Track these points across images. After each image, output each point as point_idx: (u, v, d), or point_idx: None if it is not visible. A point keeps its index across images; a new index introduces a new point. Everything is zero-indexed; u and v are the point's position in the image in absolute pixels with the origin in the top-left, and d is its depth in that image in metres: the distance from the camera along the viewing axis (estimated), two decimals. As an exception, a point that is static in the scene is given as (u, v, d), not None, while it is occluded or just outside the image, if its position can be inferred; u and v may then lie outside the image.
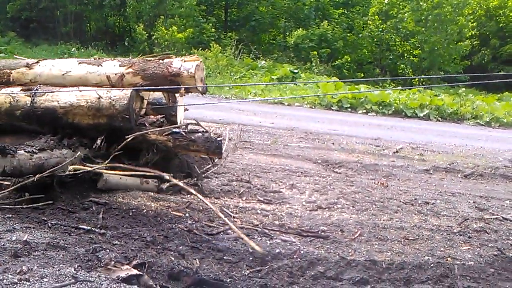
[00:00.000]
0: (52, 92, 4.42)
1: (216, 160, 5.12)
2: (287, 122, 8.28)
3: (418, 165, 6.16)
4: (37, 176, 3.73)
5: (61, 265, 2.76)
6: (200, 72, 4.30)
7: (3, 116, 4.53)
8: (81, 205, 3.84)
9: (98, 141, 4.28)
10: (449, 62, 25.62)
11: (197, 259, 3.10)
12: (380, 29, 27.74)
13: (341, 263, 3.17)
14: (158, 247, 3.22)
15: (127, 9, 24.22)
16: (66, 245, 3.09)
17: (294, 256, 3.20)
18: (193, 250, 3.22)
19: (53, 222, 3.48)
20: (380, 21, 27.69)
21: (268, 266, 3.06)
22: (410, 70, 26.85)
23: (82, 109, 4.26)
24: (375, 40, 28.45)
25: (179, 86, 4.27)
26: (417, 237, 3.75)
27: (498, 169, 6.13)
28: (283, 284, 2.86)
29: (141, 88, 4.36)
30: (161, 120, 4.73)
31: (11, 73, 4.79)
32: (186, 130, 4.43)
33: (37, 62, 4.81)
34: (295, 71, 18.85)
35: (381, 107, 12.21)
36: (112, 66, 4.51)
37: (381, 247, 3.49)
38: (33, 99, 4.40)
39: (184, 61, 4.29)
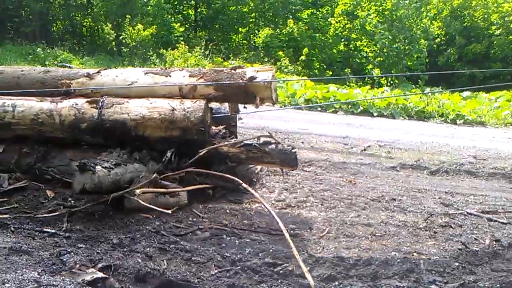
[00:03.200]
0: (120, 104, 4.26)
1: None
2: (257, 122, 8.28)
3: (385, 162, 6.25)
4: (112, 195, 3.66)
5: (24, 270, 2.69)
6: (274, 82, 4.26)
7: (67, 129, 4.33)
8: (45, 208, 3.76)
9: (168, 154, 4.19)
10: (414, 62, 26.07)
11: (164, 261, 3.07)
12: (347, 29, 28.10)
13: (310, 260, 3.18)
14: (125, 249, 3.18)
15: (94, 9, 23.82)
16: (29, 249, 3.02)
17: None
18: (161, 251, 3.19)
19: (16, 226, 3.40)
20: (346, 21, 28.04)
21: (237, 266, 3.05)
22: (378, 70, 27.26)
23: (155, 122, 4.14)
24: (342, 40, 28.79)
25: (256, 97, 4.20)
26: (384, 233, 3.80)
27: (463, 165, 6.28)
28: (251, 283, 2.86)
29: (219, 98, 4.32)
30: (224, 131, 4.69)
31: (71, 83, 4.59)
32: (259, 142, 4.39)
33: (98, 72, 4.64)
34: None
35: (349, 106, 12.34)
36: (181, 77, 4.40)
37: (348, 244, 3.52)
38: (101, 111, 4.22)
39: (257, 71, 4.23)
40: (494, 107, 14.26)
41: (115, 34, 21.41)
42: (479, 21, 31.02)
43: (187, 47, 18.61)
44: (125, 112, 4.19)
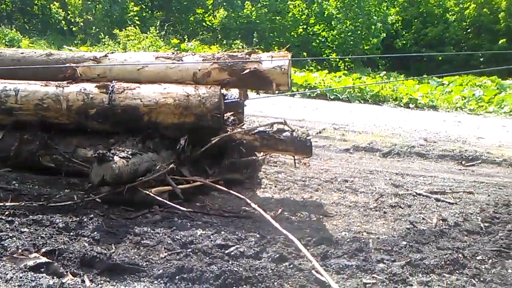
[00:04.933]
0: (132, 89, 4.05)
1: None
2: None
3: (339, 145, 6.33)
4: (128, 185, 3.53)
5: (-40, 256, 2.56)
6: (290, 68, 4.14)
7: (74, 115, 4.10)
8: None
9: (182, 142, 4.03)
10: (370, 47, 26.46)
11: (112, 244, 2.99)
12: (305, 13, 28.16)
13: (261, 241, 3.18)
14: (71, 233, 3.08)
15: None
16: (-33, 234, 2.87)
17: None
18: (109, 235, 3.11)
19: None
20: (304, 5, 28.09)
21: (188, 248, 3.01)
22: (335, 54, 27.52)
23: (169, 108, 3.98)
24: (300, 24, 28.85)
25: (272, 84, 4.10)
26: (335, 213, 3.85)
27: (414, 148, 6.44)
28: (201, 265, 2.81)
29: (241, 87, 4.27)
30: (233, 118, 4.57)
31: (77, 67, 4.33)
32: (272, 129, 4.32)
33: (106, 56, 4.43)
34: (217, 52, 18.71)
35: (306, 89, 12.42)
36: (195, 61, 4.23)
37: (300, 225, 3.54)
38: (111, 97, 4.01)
39: (273, 57, 4.12)
40: (446, 91, 14.71)
41: (64, 13, 20.57)
42: (434, 7, 31.81)
43: (138, 28, 18.08)
44: (137, 98, 4.03)
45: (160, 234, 3.15)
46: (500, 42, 27.95)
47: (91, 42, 18.88)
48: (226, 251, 3.02)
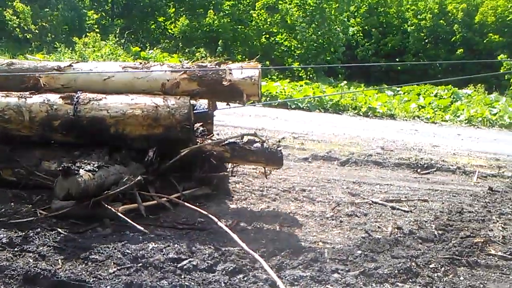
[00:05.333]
0: (98, 100, 3.90)
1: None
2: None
3: (298, 154, 6.35)
4: (92, 199, 3.41)
5: None
6: (260, 78, 4.09)
7: (37, 127, 3.91)
8: None
9: (150, 154, 3.92)
10: (332, 56, 26.86)
11: (59, 260, 2.87)
12: (268, 22, 28.35)
13: (215, 254, 3.12)
14: (15, 249, 2.95)
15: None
16: None
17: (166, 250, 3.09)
18: (56, 250, 3.00)
19: None
20: (266, 14, 28.29)
21: (138, 263, 2.92)
22: (297, 64, 27.78)
23: (137, 119, 3.86)
24: (263, 33, 29.00)
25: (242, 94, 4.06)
26: (292, 223, 3.83)
27: (371, 156, 6.52)
28: (152, 281, 2.73)
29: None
30: (202, 128, 4.49)
31: (40, 77, 4.12)
32: (242, 141, 4.27)
33: (70, 65, 4.23)
34: (185, 62, 18.56)
35: (268, 98, 12.45)
36: (162, 72, 4.10)
37: (256, 236, 3.50)
38: (76, 108, 3.85)
39: (242, 67, 4.06)
40: (404, 101, 15.04)
41: (18, 20, 19.91)
42: (393, 18, 32.69)
43: (98, 35, 17.73)
44: (103, 109, 3.91)
45: (110, 248, 3.05)
46: (457, 52, 28.96)
47: (47, 49, 18.37)
48: (179, 265, 2.95)
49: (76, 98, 3.96)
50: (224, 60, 4.45)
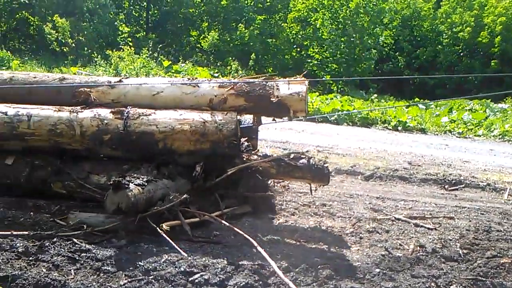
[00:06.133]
0: (147, 115, 4.01)
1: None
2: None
3: (321, 167, 6.24)
4: (139, 215, 3.43)
5: None
6: (307, 94, 4.14)
7: (87, 141, 4.02)
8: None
9: (198, 169, 3.95)
10: (363, 69, 26.65)
11: (72, 270, 2.88)
12: (299, 36, 28.39)
13: (228, 268, 3.07)
14: (30, 258, 2.97)
15: (35, 7, 22.95)
16: None
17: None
18: (70, 260, 3.01)
19: None
20: (298, 28, 28.34)
21: (150, 275, 2.90)
22: (329, 76, 27.69)
23: (185, 134, 3.94)
24: (294, 46, 29.06)
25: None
26: (310, 238, 3.75)
27: (397, 171, 6.36)
28: (163, 294, 2.72)
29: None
30: (247, 143, 4.52)
31: (91, 92, 4.26)
32: (289, 157, 4.28)
33: (120, 81, 4.36)
34: (215, 75, 18.78)
35: (295, 111, 12.38)
36: (211, 87, 4.20)
37: (272, 251, 3.43)
38: (126, 122, 3.95)
39: (290, 83, 4.11)
40: (436, 115, 14.74)
41: (56, 34, 20.61)
42: (427, 31, 32.25)
43: (132, 48, 18.10)
44: (153, 124, 3.98)
45: (123, 260, 3.05)
46: (492, 63, 28.26)
47: (82, 62, 18.89)
48: (190, 279, 2.92)
49: (126, 113, 4.02)
50: (269, 75, 4.44)
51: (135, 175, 3.64)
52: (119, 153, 4.09)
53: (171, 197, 3.62)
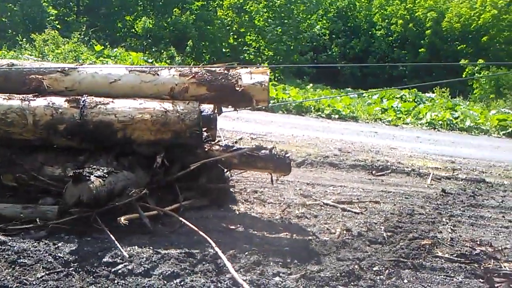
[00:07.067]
0: (105, 104, 3.76)
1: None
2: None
3: (254, 155, 6.26)
4: (96, 211, 3.26)
5: None
6: (269, 84, 4.04)
7: (41, 131, 3.70)
8: None
9: (158, 160, 3.77)
10: (300, 58, 27.07)
11: (-16, 264, 2.70)
12: (236, 23, 28.34)
13: (154, 257, 3.00)
14: None
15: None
16: None
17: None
18: (-17, 254, 2.82)
19: None
20: (234, 15, 28.27)
21: (70, 267, 2.78)
22: (266, 64, 27.87)
23: (145, 124, 3.74)
24: (231, 33, 28.96)
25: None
26: (239, 225, 3.75)
27: (328, 158, 6.51)
28: (82, 286, 2.61)
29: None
30: (206, 134, 4.38)
31: (44, 79, 3.92)
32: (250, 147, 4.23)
33: (75, 68, 4.03)
34: (150, 60, 18.33)
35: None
36: (171, 76, 3.99)
37: (199, 238, 3.39)
38: (83, 112, 3.69)
39: (252, 72, 4.01)
40: (367, 103, 15.21)
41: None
42: (362, 22, 33.20)
43: (56, 32, 17.21)
44: (111, 113, 3.77)
45: (41, 252, 2.90)
46: (420, 52, 29.57)
47: (7, 46, 17.79)
48: (113, 269, 2.82)
49: (83, 101, 3.82)
50: (233, 64, 4.37)
51: (95, 166, 3.51)
52: (75, 143, 3.89)
53: (129, 193, 3.50)
